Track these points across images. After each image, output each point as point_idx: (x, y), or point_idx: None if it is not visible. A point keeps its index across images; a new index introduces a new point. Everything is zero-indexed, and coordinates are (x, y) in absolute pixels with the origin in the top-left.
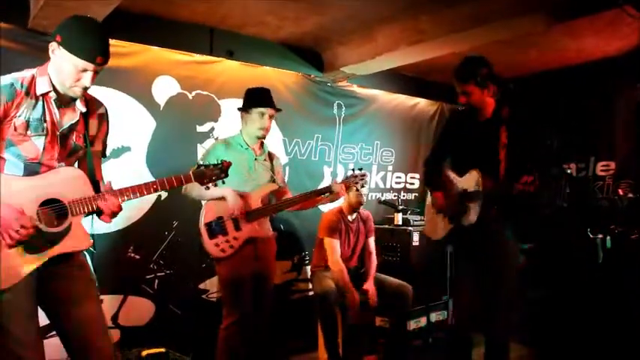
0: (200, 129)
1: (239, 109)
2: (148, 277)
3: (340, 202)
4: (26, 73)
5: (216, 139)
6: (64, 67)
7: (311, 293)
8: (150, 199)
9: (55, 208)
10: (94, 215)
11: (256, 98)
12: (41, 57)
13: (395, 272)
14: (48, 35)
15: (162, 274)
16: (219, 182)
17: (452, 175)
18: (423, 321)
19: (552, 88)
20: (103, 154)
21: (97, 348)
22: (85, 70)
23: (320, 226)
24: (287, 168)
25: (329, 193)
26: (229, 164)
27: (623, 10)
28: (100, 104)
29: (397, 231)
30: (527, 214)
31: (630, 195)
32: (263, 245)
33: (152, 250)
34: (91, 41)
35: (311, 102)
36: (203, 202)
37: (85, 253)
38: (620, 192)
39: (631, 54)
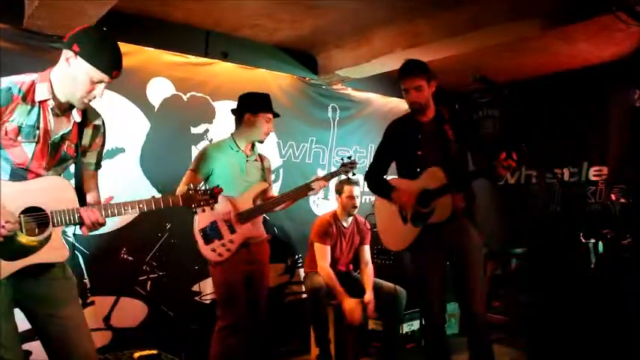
0: (194, 130)
1: (238, 110)
2: (140, 278)
3: (335, 207)
4: (26, 78)
5: (211, 140)
6: (78, 77)
7: (304, 296)
8: None
9: (36, 217)
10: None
11: (265, 103)
12: (36, 56)
13: (388, 276)
14: (42, 35)
15: (155, 275)
16: (211, 180)
17: (402, 181)
18: (416, 324)
19: (546, 92)
20: (97, 167)
21: (79, 354)
22: (99, 82)
23: (312, 230)
24: (281, 170)
25: (310, 190)
26: (220, 191)
27: (616, 17)
28: (97, 115)
29: None
30: (518, 210)
31: (622, 200)
32: (257, 248)
33: (145, 251)
34: (110, 54)
35: (306, 104)
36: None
37: (78, 254)
38: (613, 197)
39: (624, 59)
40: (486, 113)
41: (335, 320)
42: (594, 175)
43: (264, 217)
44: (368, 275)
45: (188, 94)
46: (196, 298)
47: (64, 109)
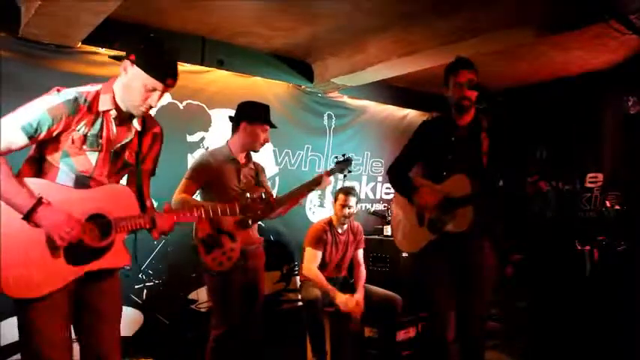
0: (190, 138)
1: (236, 118)
2: (136, 286)
3: (330, 214)
4: (91, 89)
5: (207, 148)
6: (134, 85)
7: (300, 303)
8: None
9: (100, 223)
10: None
11: (265, 114)
12: (34, 65)
13: (384, 283)
14: (38, 43)
15: (151, 283)
16: (205, 196)
17: (425, 182)
18: (412, 331)
19: (540, 99)
20: (153, 173)
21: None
22: (153, 90)
23: (306, 236)
24: (277, 178)
25: (317, 185)
26: (274, 200)
27: (609, 25)
28: (156, 124)
29: (387, 242)
30: (516, 218)
31: (617, 207)
32: (252, 255)
33: (141, 259)
34: (165, 62)
35: (301, 112)
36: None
37: None
38: (608, 204)
39: (617, 67)
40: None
41: (331, 330)
42: (589, 182)
43: (260, 224)
44: (359, 276)
45: (184, 102)
46: (192, 307)
47: (125, 119)
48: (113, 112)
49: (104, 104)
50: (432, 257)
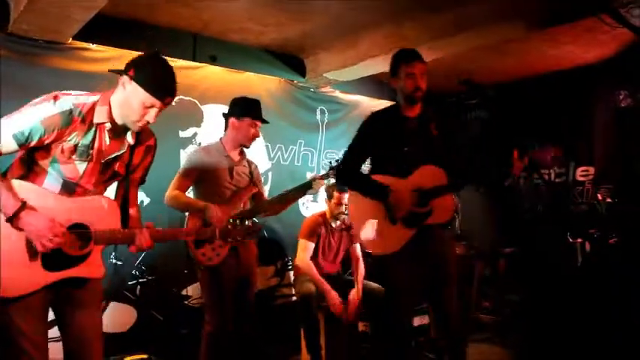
0: (183, 134)
1: (226, 115)
2: (130, 283)
3: (324, 208)
4: (87, 100)
5: (199, 144)
6: (132, 102)
7: (294, 298)
8: None
9: (80, 234)
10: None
11: (253, 109)
12: (25, 62)
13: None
14: (28, 39)
15: (145, 280)
16: (197, 192)
17: (390, 179)
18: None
19: (532, 94)
20: (142, 182)
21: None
22: (151, 107)
23: (301, 228)
24: (270, 173)
25: (309, 189)
26: (260, 228)
27: (600, 19)
28: (151, 135)
29: None
30: (506, 211)
31: (609, 200)
32: (244, 250)
33: (134, 256)
34: (163, 81)
35: (294, 107)
36: (186, 213)
37: None
38: (599, 197)
39: (609, 61)
40: (474, 115)
41: (326, 325)
42: (581, 176)
43: (253, 220)
44: (358, 271)
45: (176, 98)
46: (186, 302)
47: (119, 132)
48: (108, 125)
49: (99, 117)
50: (411, 254)
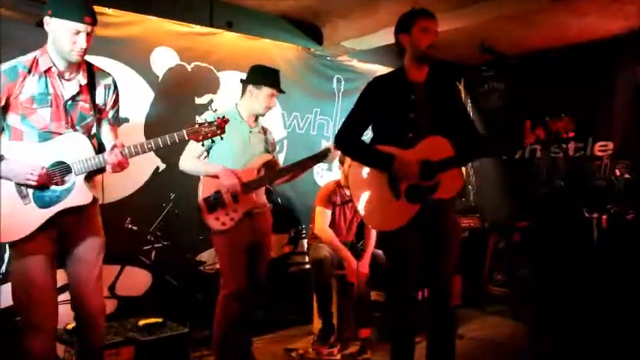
0: (199, 101)
1: (244, 81)
2: (145, 248)
3: (338, 176)
4: (29, 56)
5: (215, 111)
6: (59, 35)
7: (307, 266)
8: (147, 172)
9: (60, 169)
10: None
11: (271, 78)
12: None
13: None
14: (40, 2)
15: (160, 245)
16: (214, 149)
17: (394, 149)
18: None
19: (553, 65)
20: (116, 121)
21: (87, 304)
22: (77, 33)
23: (316, 196)
24: (285, 142)
25: (324, 158)
26: (227, 121)
27: None
28: (107, 75)
29: None
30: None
31: (627, 175)
32: (259, 218)
33: (150, 221)
34: (77, 4)
35: (310, 76)
36: (200, 177)
37: None
38: (617, 172)
39: (633, 34)
40: (491, 87)
41: (338, 292)
42: (599, 151)
43: (268, 188)
44: (369, 236)
45: (192, 64)
46: (200, 268)
47: (69, 74)
48: (55, 69)
49: (44, 64)
50: (415, 229)
